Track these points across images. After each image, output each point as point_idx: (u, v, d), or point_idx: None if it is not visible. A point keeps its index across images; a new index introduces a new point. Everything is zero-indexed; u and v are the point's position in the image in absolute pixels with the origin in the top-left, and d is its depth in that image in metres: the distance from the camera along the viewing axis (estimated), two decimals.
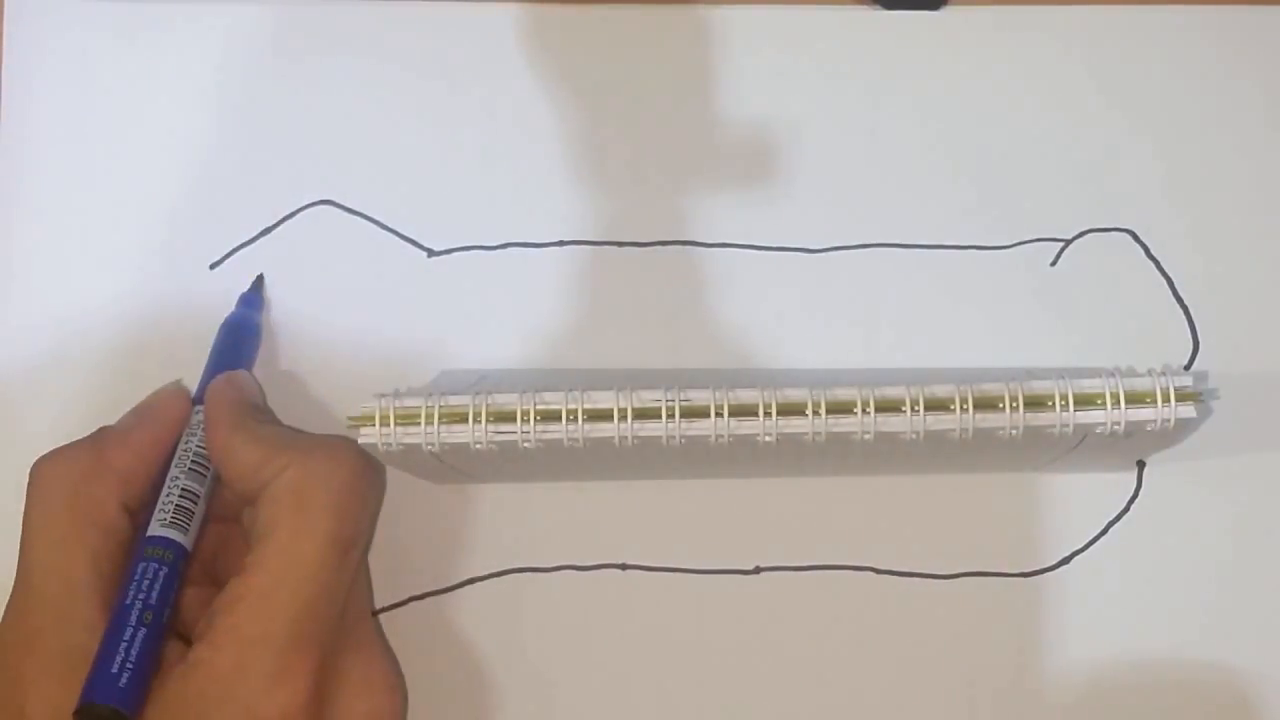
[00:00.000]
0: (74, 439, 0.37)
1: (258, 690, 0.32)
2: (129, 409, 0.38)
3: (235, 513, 0.37)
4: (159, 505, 0.36)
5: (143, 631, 0.33)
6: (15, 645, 0.34)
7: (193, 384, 0.39)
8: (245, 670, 0.32)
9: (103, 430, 0.37)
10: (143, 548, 0.35)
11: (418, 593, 0.40)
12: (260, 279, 0.41)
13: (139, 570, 0.35)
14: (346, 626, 0.35)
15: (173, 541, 0.35)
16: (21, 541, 0.35)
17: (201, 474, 0.37)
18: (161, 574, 0.35)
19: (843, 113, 0.42)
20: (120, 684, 0.33)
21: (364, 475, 0.36)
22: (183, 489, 0.36)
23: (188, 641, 0.34)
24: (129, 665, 0.33)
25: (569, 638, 0.39)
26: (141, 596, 0.34)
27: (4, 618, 0.34)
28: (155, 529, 0.36)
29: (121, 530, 0.35)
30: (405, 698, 0.37)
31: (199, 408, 0.38)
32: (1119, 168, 0.42)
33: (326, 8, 0.43)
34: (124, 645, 0.33)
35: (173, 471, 0.37)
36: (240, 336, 0.40)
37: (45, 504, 0.35)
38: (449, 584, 0.40)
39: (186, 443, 0.37)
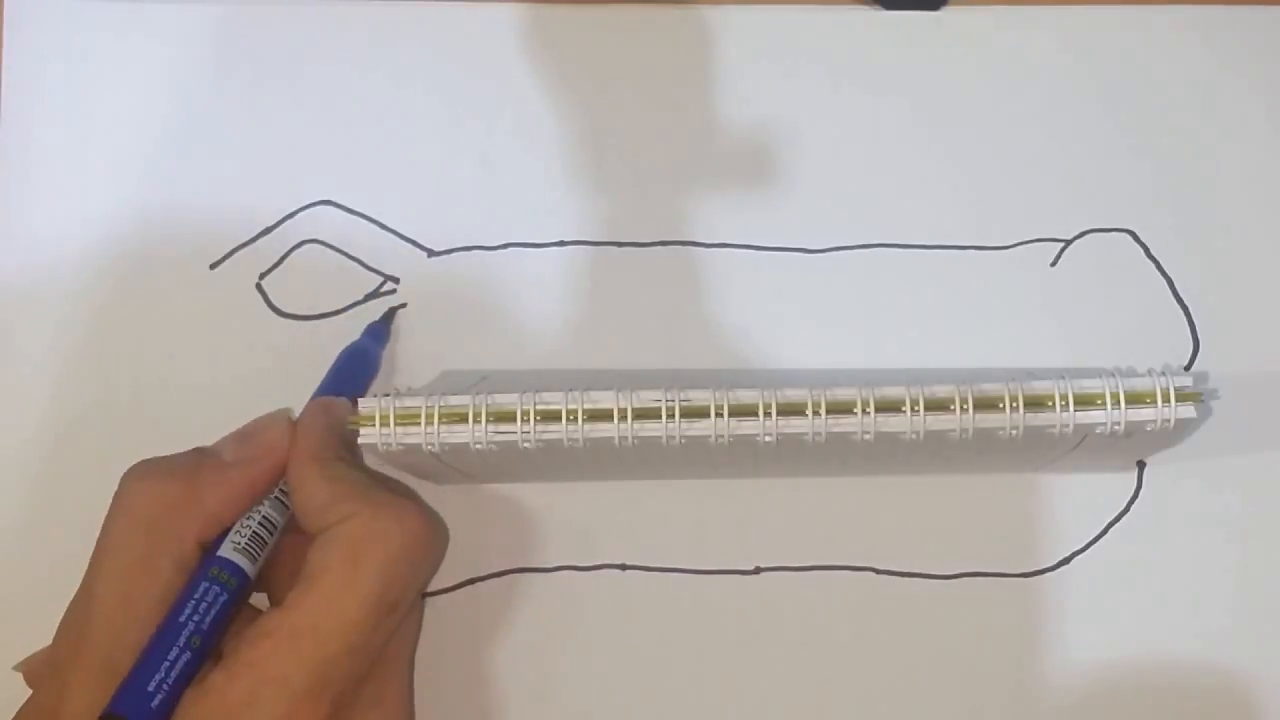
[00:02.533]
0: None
1: None
2: (230, 431, 0.37)
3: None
4: (236, 528, 0.35)
5: (187, 655, 0.32)
6: (66, 651, 0.33)
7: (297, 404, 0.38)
8: (254, 707, 0.32)
9: (200, 456, 0.36)
10: (209, 566, 0.34)
11: None
12: (392, 311, 0.41)
13: (200, 590, 0.33)
14: (376, 679, 0.35)
15: (239, 569, 0.34)
16: (95, 551, 0.34)
17: (285, 505, 0.36)
18: (221, 600, 0.34)
19: (843, 113, 0.42)
20: (154, 704, 0.32)
21: (424, 542, 0.35)
22: (263, 517, 0.35)
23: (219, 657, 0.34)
24: (166, 685, 0.32)
25: (569, 638, 0.39)
26: (195, 619, 0.33)
27: (64, 621, 0.34)
28: (227, 551, 0.34)
29: (194, 562, 0.34)
30: None
31: None
32: (1119, 168, 0.42)
33: (327, 7, 0.43)
34: (166, 665, 0.32)
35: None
36: (356, 366, 0.39)
37: (126, 523, 0.34)
38: (449, 584, 0.40)
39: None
